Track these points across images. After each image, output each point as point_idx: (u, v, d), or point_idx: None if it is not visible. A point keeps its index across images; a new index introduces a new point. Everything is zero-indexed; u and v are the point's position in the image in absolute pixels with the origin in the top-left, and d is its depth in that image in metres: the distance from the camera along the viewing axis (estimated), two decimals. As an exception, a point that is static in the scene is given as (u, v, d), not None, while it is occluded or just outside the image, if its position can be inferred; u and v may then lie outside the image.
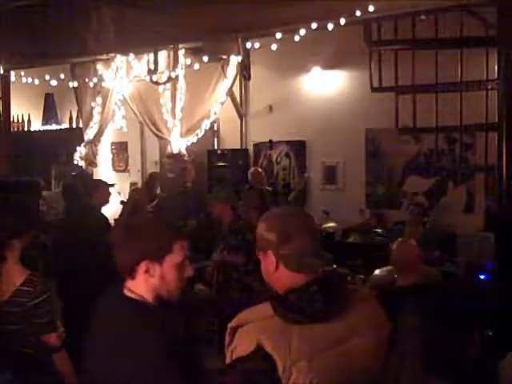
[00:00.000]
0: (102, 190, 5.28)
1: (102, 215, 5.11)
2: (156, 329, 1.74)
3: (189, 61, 6.51)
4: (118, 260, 1.82)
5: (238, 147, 7.95)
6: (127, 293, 1.83)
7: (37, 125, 9.59)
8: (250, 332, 1.58)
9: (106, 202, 5.27)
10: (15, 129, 9.16)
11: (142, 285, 1.81)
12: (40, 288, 2.55)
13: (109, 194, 5.34)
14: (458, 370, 1.74)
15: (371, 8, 4.70)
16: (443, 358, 1.75)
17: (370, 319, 1.68)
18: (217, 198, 4.96)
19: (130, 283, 1.83)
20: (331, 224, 6.55)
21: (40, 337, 2.53)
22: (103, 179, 6.47)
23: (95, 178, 8.21)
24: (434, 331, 1.78)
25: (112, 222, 5.31)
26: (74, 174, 7.73)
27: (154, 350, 1.69)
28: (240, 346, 1.58)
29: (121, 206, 6.06)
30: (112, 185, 5.69)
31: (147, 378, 1.69)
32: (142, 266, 1.79)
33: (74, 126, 9.07)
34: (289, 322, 1.56)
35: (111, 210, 5.68)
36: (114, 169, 9.10)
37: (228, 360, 1.61)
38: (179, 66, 6.49)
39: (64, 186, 5.72)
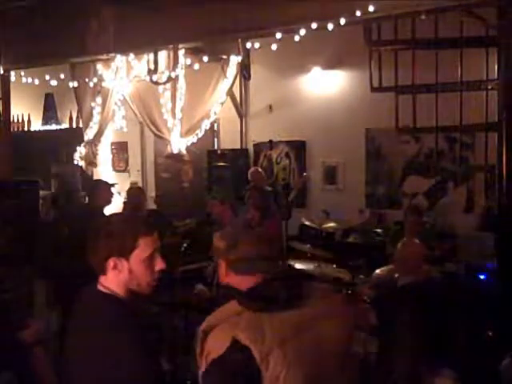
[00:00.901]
0: (103, 190, 5.28)
1: (104, 216, 5.11)
2: (123, 324, 1.79)
3: (189, 61, 6.51)
4: (89, 258, 1.90)
5: (238, 147, 7.95)
6: (100, 287, 1.90)
7: (37, 125, 9.60)
8: (223, 331, 1.64)
9: (108, 202, 5.27)
10: (15, 129, 9.16)
11: (112, 280, 1.88)
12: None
13: (110, 194, 5.35)
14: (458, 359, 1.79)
15: (371, 8, 4.69)
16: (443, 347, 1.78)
17: (332, 308, 1.84)
18: (216, 197, 4.96)
19: (102, 279, 1.91)
20: (331, 224, 6.54)
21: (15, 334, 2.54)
22: (103, 179, 6.48)
23: (95, 178, 8.23)
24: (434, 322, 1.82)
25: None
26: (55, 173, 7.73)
27: (120, 347, 1.73)
28: (214, 347, 1.64)
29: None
30: (113, 185, 5.69)
31: (117, 373, 1.72)
32: (110, 263, 1.86)
33: (74, 125, 9.07)
34: (258, 312, 1.65)
35: (114, 210, 5.68)
36: (114, 169, 9.10)
37: (203, 367, 1.65)
38: (179, 66, 6.48)
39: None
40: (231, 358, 1.58)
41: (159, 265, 1.92)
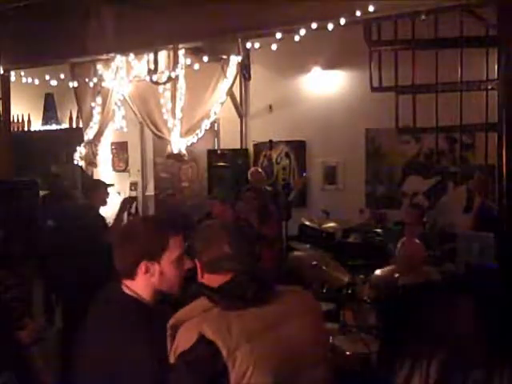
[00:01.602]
0: (99, 190, 5.27)
1: (99, 215, 5.10)
2: (145, 328, 1.77)
3: (189, 61, 6.51)
4: (116, 262, 1.87)
5: (238, 147, 7.95)
6: (125, 289, 1.88)
7: (37, 125, 9.59)
8: (191, 326, 1.63)
9: (104, 202, 5.26)
10: (15, 129, 9.15)
11: (142, 285, 1.86)
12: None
13: (107, 194, 5.34)
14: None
15: (371, 8, 4.69)
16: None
17: (302, 306, 1.83)
18: (217, 198, 4.96)
19: (128, 282, 1.88)
20: (331, 224, 6.54)
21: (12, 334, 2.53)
22: (100, 179, 6.47)
23: (95, 178, 8.23)
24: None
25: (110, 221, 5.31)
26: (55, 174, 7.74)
27: (140, 349, 1.72)
28: (182, 341, 1.63)
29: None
30: (110, 185, 5.68)
31: (129, 373, 1.72)
32: (142, 267, 1.83)
33: (74, 125, 9.07)
34: (226, 309, 1.66)
35: (111, 209, 5.68)
36: (114, 169, 9.09)
37: (172, 360, 1.65)
38: (179, 66, 6.48)
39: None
40: (197, 352, 1.58)
41: (187, 264, 1.92)
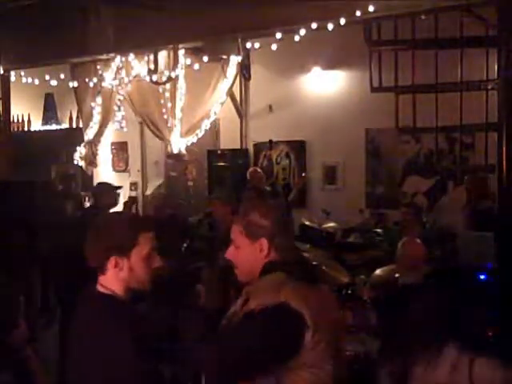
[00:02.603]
0: (107, 193, 5.28)
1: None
2: (123, 325, 1.79)
3: (189, 61, 6.51)
4: (88, 255, 1.91)
5: (238, 147, 7.94)
6: (100, 288, 1.91)
7: (37, 125, 9.59)
8: (271, 294, 1.69)
9: (113, 205, 5.27)
10: (15, 129, 9.15)
11: (112, 279, 1.89)
12: None
13: (115, 197, 5.35)
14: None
15: (371, 8, 4.70)
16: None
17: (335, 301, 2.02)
18: (218, 198, 4.95)
19: (101, 278, 1.91)
20: (331, 224, 6.54)
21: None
22: (108, 182, 6.48)
23: (95, 178, 8.24)
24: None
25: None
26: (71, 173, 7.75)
27: (120, 348, 1.74)
28: (259, 300, 1.71)
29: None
30: (119, 187, 5.69)
31: (113, 375, 1.73)
32: (111, 261, 1.87)
33: (74, 126, 9.07)
34: (303, 280, 1.75)
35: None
36: (114, 169, 9.09)
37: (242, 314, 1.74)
38: (179, 66, 6.48)
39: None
40: (283, 316, 1.66)
41: (156, 262, 1.93)
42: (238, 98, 7.80)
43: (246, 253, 1.81)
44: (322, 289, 1.86)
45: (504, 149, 4.12)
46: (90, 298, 1.93)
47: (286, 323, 1.66)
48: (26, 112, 9.54)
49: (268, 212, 1.80)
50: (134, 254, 1.87)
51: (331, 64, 7.19)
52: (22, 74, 7.37)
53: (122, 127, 7.62)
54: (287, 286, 1.71)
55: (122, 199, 7.78)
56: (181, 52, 6.48)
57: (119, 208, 6.03)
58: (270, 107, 7.71)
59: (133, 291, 1.92)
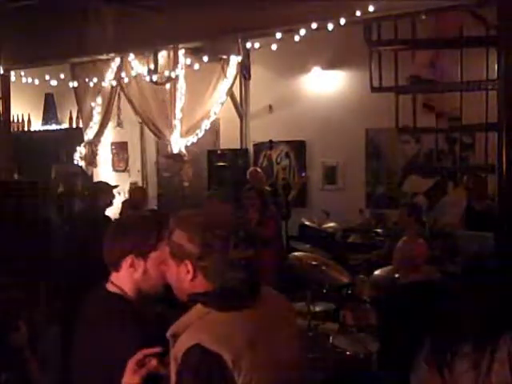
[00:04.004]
0: (105, 191, 5.29)
1: (106, 216, 5.12)
2: (132, 326, 1.78)
3: (189, 61, 6.51)
4: (105, 252, 1.90)
5: (238, 147, 7.95)
6: (109, 286, 1.90)
7: (37, 125, 9.59)
8: (189, 337, 1.53)
9: (110, 203, 5.28)
10: (15, 129, 9.15)
11: (124, 278, 1.88)
12: None
13: (112, 195, 5.36)
14: None
15: (371, 8, 4.70)
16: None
17: (287, 311, 1.79)
18: (217, 196, 4.96)
19: (113, 276, 1.91)
20: (331, 224, 6.55)
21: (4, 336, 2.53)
22: (106, 180, 6.48)
23: (95, 178, 8.23)
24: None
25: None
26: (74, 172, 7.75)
27: (128, 348, 1.71)
28: (180, 344, 1.54)
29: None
30: (115, 186, 5.69)
31: (119, 376, 1.69)
32: (128, 260, 1.86)
33: (74, 126, 9.07)
34: (223, 310, 1.56)
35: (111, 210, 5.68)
36: (114, 169, 9.10)
37: (173, 374, 1.55)
38: (179, 66, 6.48)
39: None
40: (201, 364, 1.48)
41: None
42: (238, 98, 7.80)
43: (174, 273, 1.68)
44: (260, 313, 1.62)
45: (504, 149, 4.12)
46: (98, 297, 1.92)
47: (201, 367, 1.47)
48: (26, 112, 9.54)
49: (191, 234, 1.63)
50: (152, 257, 1.86)
51: (331, 64, 7.19)
52: (22, 73, 7.37)
53: (122, 127, 7.61)
54: (203, 322, 1.55)
55: (123, 199, 7.81)
56: (181, 52, 6.48)
57: (117, 207, 6.04)
58: (270, 107, 7.71)
59: (145, 294, 1.90)
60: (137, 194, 6.08)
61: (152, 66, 6.44)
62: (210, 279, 1.62)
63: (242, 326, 1.55)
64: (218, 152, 7.93)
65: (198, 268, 1.63)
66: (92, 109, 7.44)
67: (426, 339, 2.00)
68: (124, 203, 5.86)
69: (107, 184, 5.64)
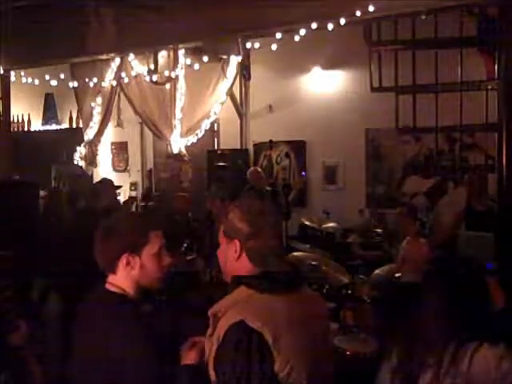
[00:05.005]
0: (108, 192, 5.28)
1: (107, 216, 5.11)
2: (135, 325, 1.79)
3: (189, 61, 6.51)
4: (98, 255, 1.91)
5: (238, 147, 7.95)
6: (109, 287, 1.90)
7: (37, 125, 9.60)
8: (234, 315, 1.61)
9: (112, 203, 5.26)
10: (15, 129, 9.16)
11: (123, 278, 1.89)
12: None
13: (115, 195, 5.35)
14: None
15: (371, 8, 4.69)
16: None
17: (323, 307, 1.91)
18: (217, 196, 4.96)
19: (111, 277, 1.92)
20: (331, 224, 6.55)
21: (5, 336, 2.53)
22: (108, 179, 6.47)
23: (95, 178, 8.23)
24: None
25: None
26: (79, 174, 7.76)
27: (130, 348, 1.73)
28: (223, 322, 1.62)
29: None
30: (119, 187, 5.69)
31: (121, 376, 1.72)
32: (123, 260, 1.87)
33: (74, 125, 9.07)
34: (269, 292, 1.65)
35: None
36: (114, 169, 9.10)
37: (215, 347, 1.62)
38: (179, 66, 6.48)
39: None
40: (243, 339, 1.56)
41: (167, 259, 1.95)
42: (237, 98, 7.80)
43: (224, 252, 1.79)
44: (299, 299, 1.72)
45: (504, 149, 4.12)
46: (99, 298, 1.92)
47: (242, 342, 1.56)
48: (26, 112, 9.54)
49: (246, 214, 1.74)
50: (146, 251, 1.89)
51: (331, 64, 7.19)
52: (22, 74, 7.37)
53: (122, 127, 7.61)
54: (247, 302, 1.64)
55: (122, 199, 7.81)
56: (181, 52, 6.49)
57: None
58: (270, 107, 7.71)
59: (143, 290, 1.92)
60: (179, 202, 6.03)
61: (152, 66, 6.44)
62: (253, 261, 1.72)
63: (282, 309, 1.64)
64: (218, 152, 7.93)
65: (245, 248, 1.73)
66: (92, 109, 7.44)
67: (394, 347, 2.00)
68: (125, 203, 5.84)
69: (110, 184, 5.63)
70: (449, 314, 1.83)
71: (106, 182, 5.54)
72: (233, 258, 1.75)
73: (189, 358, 1.74)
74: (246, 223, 1.73)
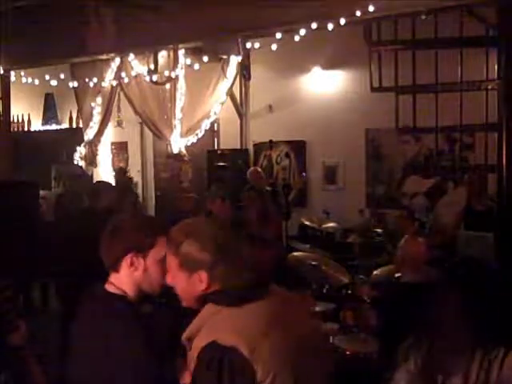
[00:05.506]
0: (107, 192, 5.28)
1: (106, 216, 5.11)
2: (134, 327, 1.78)
3: (189, 61, 6.52)
4: (103, 254, 1.89)
5: (238, 147, 7.95)
6: (109, 287, 1.89)
7: (37, 125, 9.60)
8: (205, 335, 1.55)
9: (112, 204, 5.26)
10: (15, 129, 9.16)
11: (125, 278, 1.87)
12: None
13: (115, 196, 5.35)
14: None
15: (371, 8, 4.69)
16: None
17: (296, 297, 1.85)
18: (217, 195, 4.96)
19: (113, 277, 1.90)
20: (331, 224, 6.55)
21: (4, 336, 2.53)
22: (106, 180, 6.48)
23: (95, 178, 8.23)
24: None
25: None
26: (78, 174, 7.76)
27: (130, 350, 1.72)
28: (195, 346, 1.56)
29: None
30: (117, 186, 5.69)
31: (120, 377, 1.72)
32: (127, 259, 1.86)
33: (74, 125, 9.08)
34: (234, 304, 1.57)
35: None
36: (114, 169, 9.09)
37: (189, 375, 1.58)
38: (179, 65, 6.49)
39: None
40: (216, 359, 1.50)
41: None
42: (237, 98, 7.81)
43: (184, 284, 1.67)
44: (275, 304, 1.64)
45: (504, 149, 4.12)
46: (99, 298, 1.91)
47: (216, 363, 1.48)
48: (26, 112, 9.55)
49: (203, 243, 1.63)
50: (151, 255, 1.86)
51: (331, 64, 7.20)
52: (22, 74, 7.37)
53: (122, 127, 7.61)
54: (215, 320, 1.57)
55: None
56: (181, 52, 6.49)
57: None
58: (270, 107, 7.71)
59: (143, 294, 1.90)
60: (185, 203, 5.97)
61: (152, 66, 6.44)
62: (225, 284, 1.63)
63: (254, 318, 1.57)
64: (218, 152, 7.93)
65: (213, 276, 1.63)
66: (92, 109, 7.44)
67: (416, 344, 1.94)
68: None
69: (110, 184, 5.64)
70: (475, 320, 1.79)
71: (106, 183, 5.55)
72: (200, 289, 1.65)
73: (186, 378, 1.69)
74: (207, 253, 1.62)
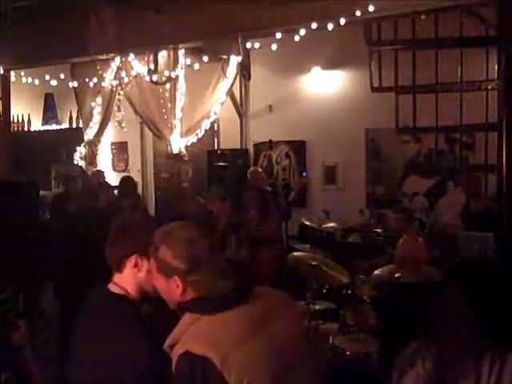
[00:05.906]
0: (107, 192, 5.30)
1: (105, 216, 5.11)
2: (137, 327, 1.78)
3: (189, 61, 6.52)
4: (108, 254, 1.90)
5: (238, 147, 7.95)
6: (112, 287, 1.89)
7: (37, 125, 9.60)
8: (180, 345, 1.55)
9: (112, 203, 5.28)
10: (15, 129, 9.17)
11: (128, 279, 1.88)
12: None
13: (114, 196, 5.37)
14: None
15: (371, 8, 4.70)
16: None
17: (283, 304, 1.75)
18: (217, 196, 4.97)
19: (116, 277, 1.90)
20: (331, 224, 6.55)
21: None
22: (106, 181, 6.49)
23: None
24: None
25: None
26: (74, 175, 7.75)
27: (132, 349, 1.72)
28: (173, 356, 1.56)
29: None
30: (116, 187, 5.71)
31: (122, 377, 1.71)
32: (132, 260, 1.86)
33: (74, 125, 9.08)
34: (210, 313, 1.56)
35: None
36: (114, 169, 9.10)
37: None
38: (179, 65, 6.49)
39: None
40: (189, 370, 1.50)
41: None
42: (237, 98, 7.81)
43: (164, 288, 1.69)
44: (251, 309, 1.62)
45: (504, 149, 4.13)
46: (100, 297, 1.91)
47: (189, 374, 1.48)
48: (26, 112, 9.55)
49: (177, 250, 1.62)
50: None
51: (331, 64, 7.20)
52: (22, 74, 7.38)
53: (122, 127, 7.61)
54: (192, 329, 1.56)
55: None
56: (181, 52, 6.49)
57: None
58: (270, 107, 7.71)
59: (144, 294, 1.90)
60: (192, 206, 5.95)
61: (152, 66, 6.45)
62: (200, 291, 1.62)
63: (229, 326, 1.56)
64: (218, 152, 7.93)
65: (187, 283, 1.63)
66: (92, 109, 7.45)
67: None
68: None
69: (109, 184, 5.65)
70: (477, 320, 1.78)
71: (105, 184, 5.57)
72: (177, 293, 1.65)
73: None
74: (180, 260, 1.62)
